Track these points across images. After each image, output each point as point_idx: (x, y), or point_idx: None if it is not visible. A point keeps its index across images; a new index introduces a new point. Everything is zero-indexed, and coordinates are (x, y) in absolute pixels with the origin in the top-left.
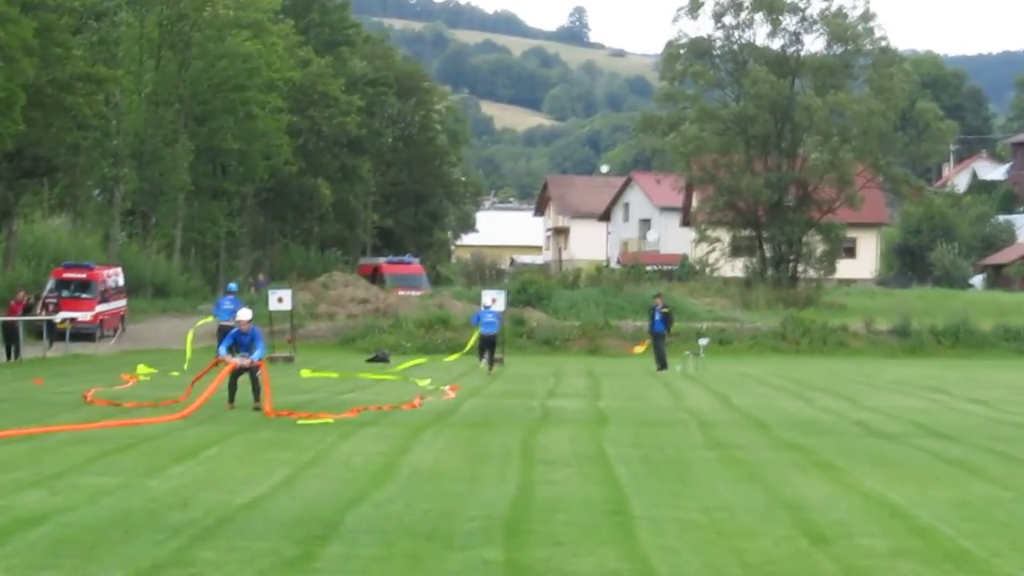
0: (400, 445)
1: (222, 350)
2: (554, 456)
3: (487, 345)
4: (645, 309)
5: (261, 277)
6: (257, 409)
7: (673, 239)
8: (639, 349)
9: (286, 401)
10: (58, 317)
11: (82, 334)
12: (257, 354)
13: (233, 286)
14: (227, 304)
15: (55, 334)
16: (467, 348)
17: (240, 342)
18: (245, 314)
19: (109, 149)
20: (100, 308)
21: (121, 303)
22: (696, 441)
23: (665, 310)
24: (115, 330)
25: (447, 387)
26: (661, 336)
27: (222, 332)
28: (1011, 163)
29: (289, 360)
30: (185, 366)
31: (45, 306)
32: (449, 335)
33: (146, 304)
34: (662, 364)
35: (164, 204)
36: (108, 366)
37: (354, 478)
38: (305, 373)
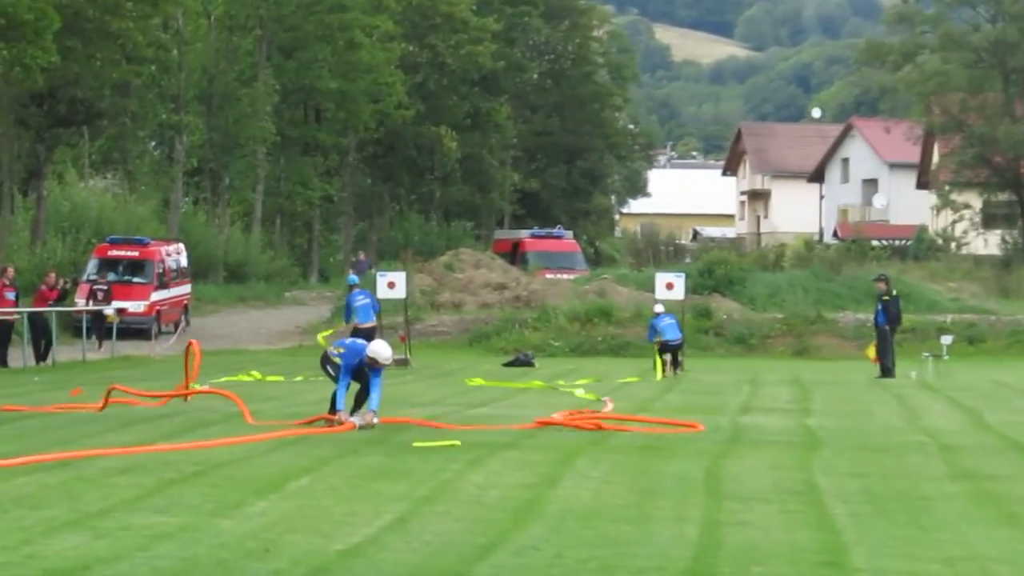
0: (547, 474)
1: (341, 395)
2: (748, 490)
3: (670, 351)
4: (870, 297)
5: (363, 256)
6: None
7: (907, 205)
8: (871, 354)
9: (403, 414)
10: (108, 309)
11: (133, 330)
12: (375, 400)
13: (355, 278)
14: (360, 299)
15: (103, 330)
16: (657, 372)
17: (368, 370)
18: (384, 349)
19: (168, 89)
20: (157, 296)
21: (184, 290)
22: (936, 471)
23: (886, 297)
24: (176, 325)
25: (607, 398)
26: (884, 332)
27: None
28: None
29: (403, 364)
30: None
31: (93, 294)
32: (612, 331)
33: (217, 291)
34: (886, 369)
35: (240, 161)
36: (167, 371)
37: (488, 518)
38: (476, 382)
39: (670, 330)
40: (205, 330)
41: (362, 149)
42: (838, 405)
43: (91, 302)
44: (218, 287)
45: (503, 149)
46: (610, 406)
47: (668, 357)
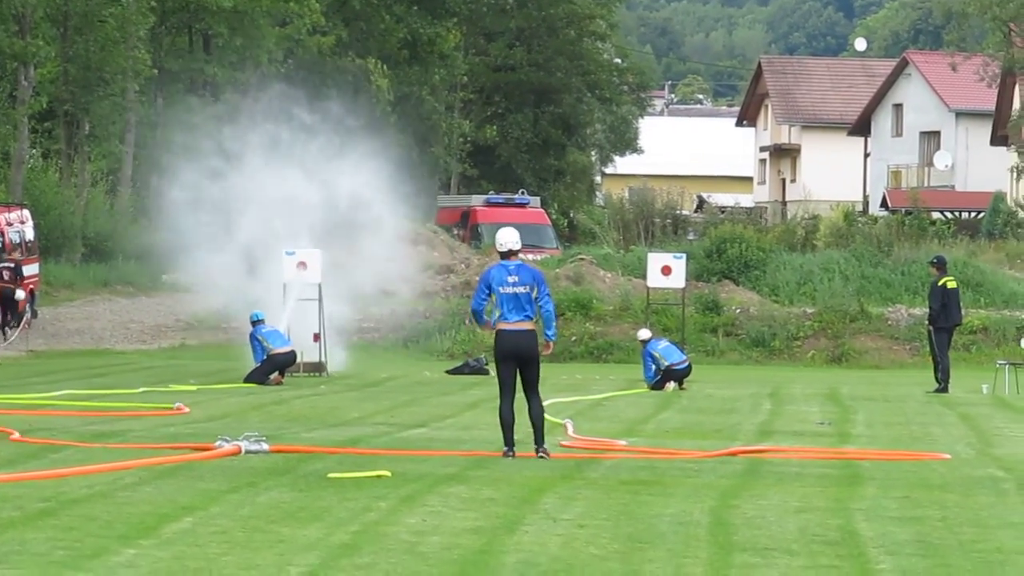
0: (504, 517)
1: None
2: (768, 538)
3: (676, 380)
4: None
5: None
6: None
7: (978, 166)
8: None
9: (315, 437)
10: (20, 292)
11: None
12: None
13: (260, 313)
14: (267, 328)
15: (11, 317)
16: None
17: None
18: (512, 236)
19: (10, 6)
20: None
21: (30, 271)
22: (1015, 515)
23: (942, 284)
24: (20, 317)
25: (567, 420)
26: (939, 333)
27: (271, 367)
28: None
29: (317, 370)
30: None
31: None
32: (590, 328)
33: (73, 273)
34: (943, 381)
35: (104, 101)
36: (7, 378)
37: (426, 572)
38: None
39: (672, 352)
40: (57, 324)
41: (266, 87)
42: (886, 428)
43: None
44: (75, 268)
45: (450, 89)
46: (570, 429)
47: (672, 385)
